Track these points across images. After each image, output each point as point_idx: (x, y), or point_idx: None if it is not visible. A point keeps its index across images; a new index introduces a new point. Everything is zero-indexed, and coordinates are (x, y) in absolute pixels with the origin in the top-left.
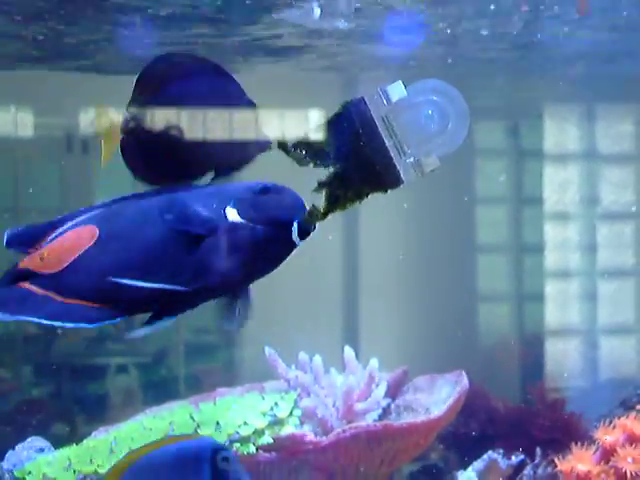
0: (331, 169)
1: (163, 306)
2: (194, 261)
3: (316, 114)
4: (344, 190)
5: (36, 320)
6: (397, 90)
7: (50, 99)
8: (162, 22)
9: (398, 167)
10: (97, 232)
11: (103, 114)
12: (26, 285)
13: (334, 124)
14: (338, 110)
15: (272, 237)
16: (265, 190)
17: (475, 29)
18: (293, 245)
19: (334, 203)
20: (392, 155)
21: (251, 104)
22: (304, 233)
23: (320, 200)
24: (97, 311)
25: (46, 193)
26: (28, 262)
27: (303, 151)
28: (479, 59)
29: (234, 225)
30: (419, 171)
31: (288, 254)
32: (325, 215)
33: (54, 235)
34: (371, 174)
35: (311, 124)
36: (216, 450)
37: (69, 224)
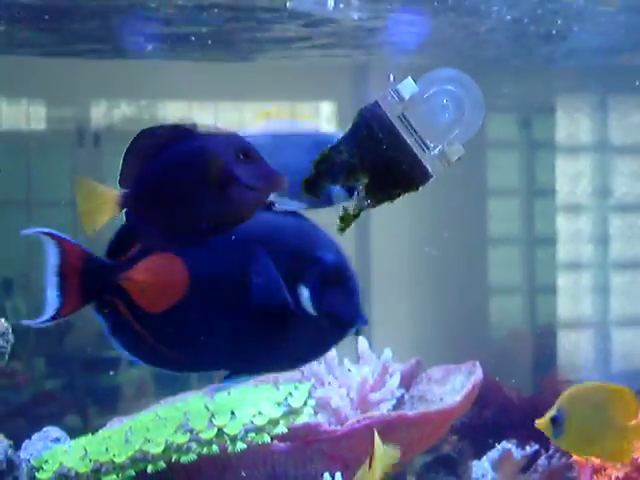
0: (361, 181)
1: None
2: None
3: (327, 105)
4: (376, 198)
5: (129, 357)
6: (408, 86)
7: (62, 90)
8: (172, 12)
9: (424, 162)
10: (187, 278)
11: (90, 187)
12: (128, 315)
13: (353, 134)
14: (355, 119)
15: (330, 333)
16: (337, 272)
17: (488, 20)
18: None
19: (367, 207)
20: (416, 151)
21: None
22: (358, 331)
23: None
24: (181, 363)
25: (57, 186)
26: (128, 284)
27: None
28: (491, 50)
29: (304, 318)
30: (445, 162)
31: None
32: (356, 217)
33: (141, 251)
34: (399, 175)
35: (323, 115)
36: None
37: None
